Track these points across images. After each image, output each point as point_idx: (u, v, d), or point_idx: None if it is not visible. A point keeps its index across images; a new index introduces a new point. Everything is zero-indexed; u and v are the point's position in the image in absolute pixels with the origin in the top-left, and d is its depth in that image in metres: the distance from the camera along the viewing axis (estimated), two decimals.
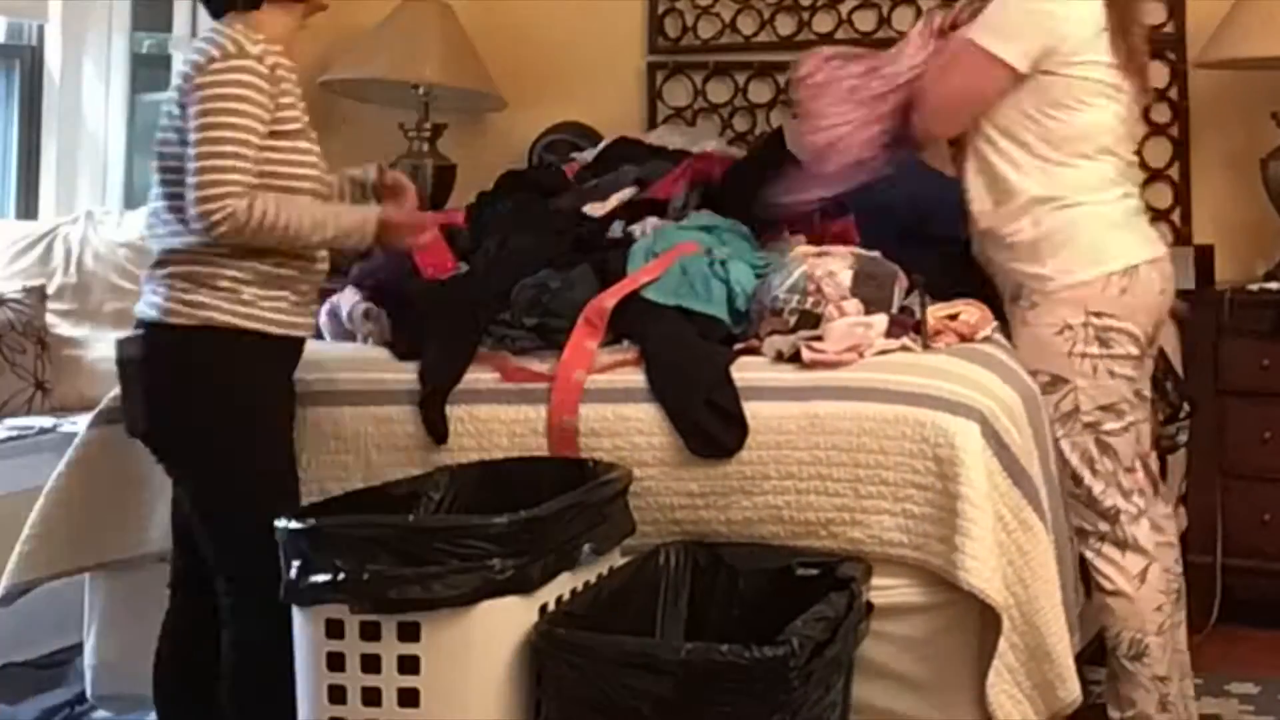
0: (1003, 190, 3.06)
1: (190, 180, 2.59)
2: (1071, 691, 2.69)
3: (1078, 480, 3.05)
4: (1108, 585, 3.06)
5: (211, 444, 2.67)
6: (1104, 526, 3.05)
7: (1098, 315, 3.00)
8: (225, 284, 2.65)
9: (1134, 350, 3.05)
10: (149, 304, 2.69)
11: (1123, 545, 3.05)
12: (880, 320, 2.97)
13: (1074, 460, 3.04)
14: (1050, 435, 3.02)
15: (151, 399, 2.68)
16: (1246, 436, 4.08)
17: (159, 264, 2.70)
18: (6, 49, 4.80)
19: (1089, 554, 3.07)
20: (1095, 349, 3.00)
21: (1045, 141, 3.03)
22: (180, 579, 2.85)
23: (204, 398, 2.66)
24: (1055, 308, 3.01)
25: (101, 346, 4.37)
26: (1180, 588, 3.26)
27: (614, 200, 3.59)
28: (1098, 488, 3.04)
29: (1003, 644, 2.60)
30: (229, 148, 2.58)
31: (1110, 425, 3.03)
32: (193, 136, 2.60)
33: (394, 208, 2.89)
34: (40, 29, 4.80)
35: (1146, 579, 3.05)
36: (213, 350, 2.65)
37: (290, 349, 2.77)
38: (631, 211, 3.55)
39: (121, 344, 2.72)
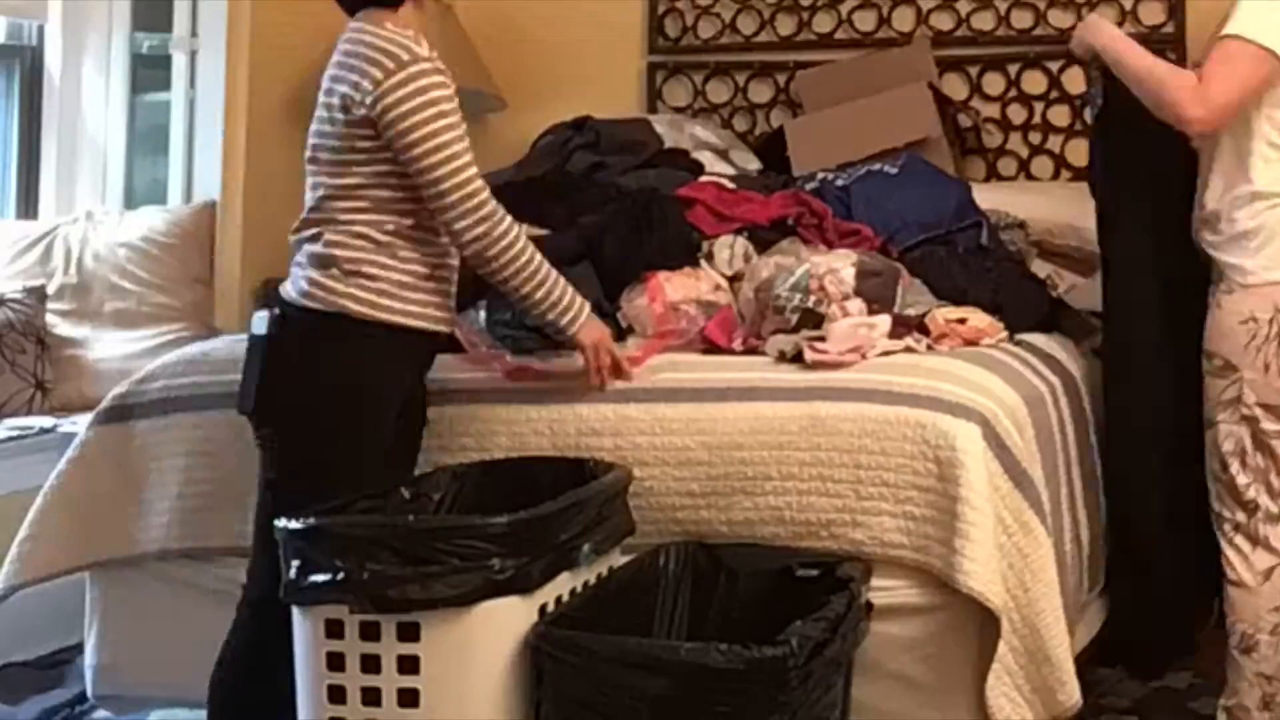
0: (1231, 180, 3.06)
1: (443, 201, 2.64)
2: (1071, 695, 2.69)
3: (1224, 466, 3.07)
4: (1231, 574, 3.10)
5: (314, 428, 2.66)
6: (1241, 517, 3.08)
7: None
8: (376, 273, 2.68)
9: None
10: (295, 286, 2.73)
11: (1254, 539, 3.08)
12: (883, 321, 2.97)
13: (1225, 447, 3.06)
14: (1063, 436, 3.02)
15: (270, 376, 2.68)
16: None
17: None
18: (6, 49, 4.80)
19: (1221, 541, 3.10)
20: (1274, 348, 3.02)
21: (1277, 136, 3.04)
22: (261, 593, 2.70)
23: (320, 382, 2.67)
24: (1247, 298, 3.03)
25: (101, 346, 4.38)
26: None
27: None
28: (1243, 479, 3.06)
29: (1002, 646, 2.60)
30: (467, 158, 2.67)
31: (1271, 425, 3.05)
32: (420, 150, 2.64)
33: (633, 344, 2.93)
34: (40, 29, 4.80)
35: (1270, 578, 3.08)
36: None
37: (423, 343, 2.76)
38: None
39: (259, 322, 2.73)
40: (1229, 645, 3.12)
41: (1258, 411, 3.04)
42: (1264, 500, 3.07)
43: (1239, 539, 3.09)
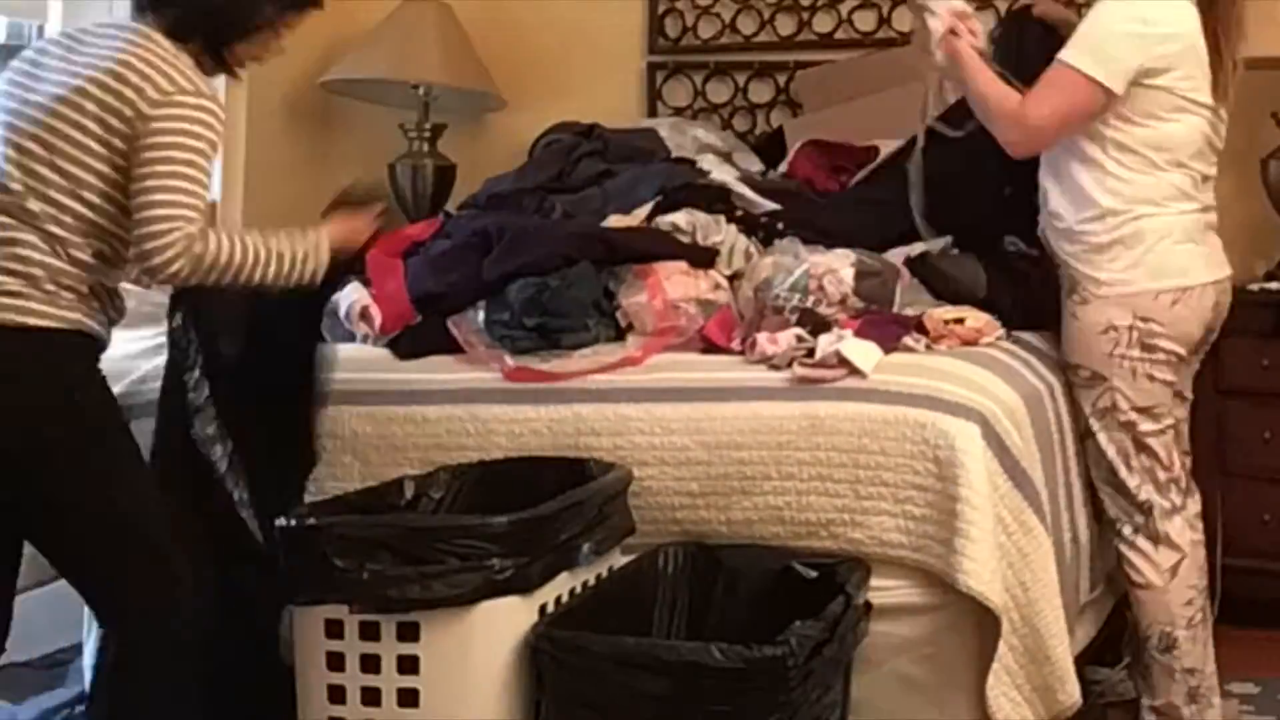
0: (1080, 195, 3.08)
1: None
2: (1071, 694, 2.69)
3: (1113, 472, 3.10)
4: (1138, 578, 3.11)
5: None
6: (1138, 519, 3.10)
7: (1144, 320, 3.04)
8: None
9: (1177, 355, 3.09)
10: None
11: (1155, 539, 3.10)
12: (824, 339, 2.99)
13: (1110, 454, 3.09)
14: (1062, 435, 3.04)
15: None
16: (1246, 436, 4.08)
17: None
18: (6, 49, 4.79)
19: (1122, 546, 3.12)
20: (1137, 353, 3.04)
21: (1122, 150, 3.06)
22: None
23: None
24: (1105, 308, 3.05)
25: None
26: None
27: (638, 214, 3.56)
28: (1133, 482, 3.09)
29: (1002, 646, 2.60)
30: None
31: (1147, 426, 3.08)
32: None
33: (339, 219, 2.78)
34: (40, 29, 4.80)
35: (1178, 574, 3.10)
36: None
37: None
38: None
39: None
40: (1147, 648, 3.14)
41: (1133, 416, 3.06)
42: (1156, 498, 3.09)
43: (1140, 540, 3.11)
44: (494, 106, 4.97)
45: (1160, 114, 3.04)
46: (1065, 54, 3.04)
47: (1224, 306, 3.19)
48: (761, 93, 4.90)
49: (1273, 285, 4.14)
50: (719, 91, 4.96)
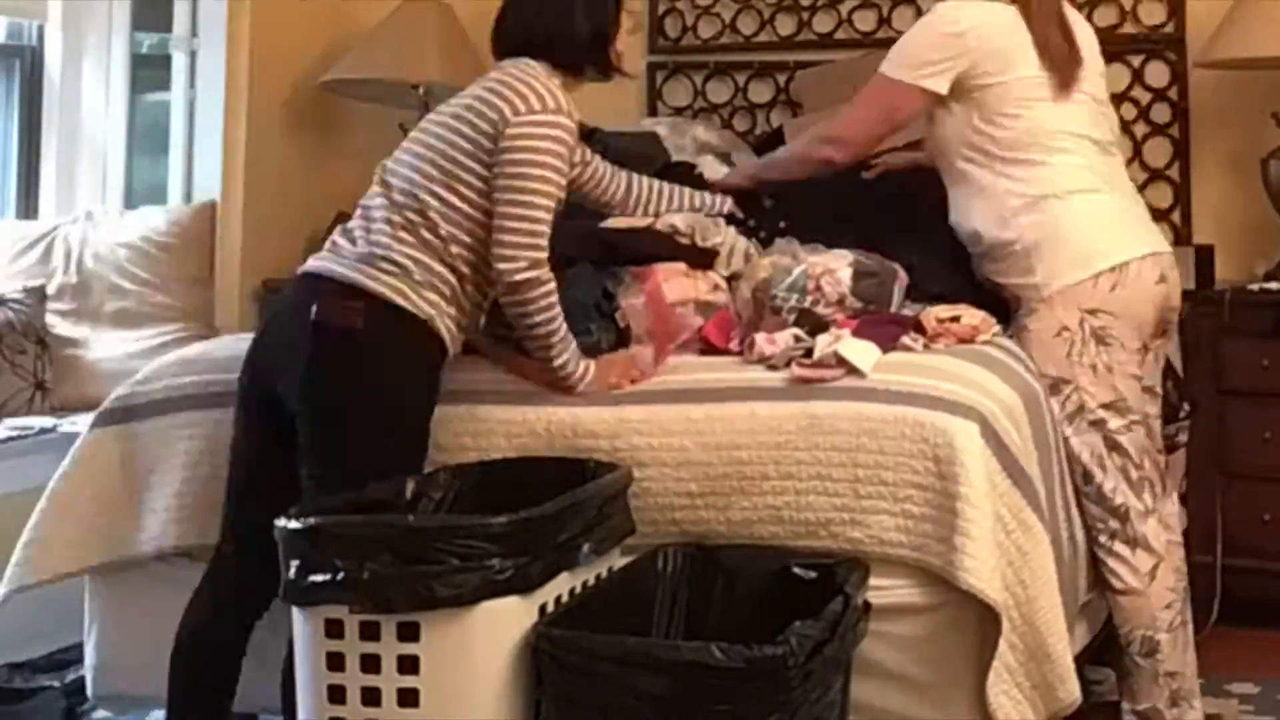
0: (987, 206, 3.13)
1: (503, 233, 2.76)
2: (1071, 692, 2.69)
3: (1088, 478, 3.09)
4: (1118, 583, 3.11)
5: None
6: (1114, 524, 3.10)
7: (1092, 313, 3.05)
8: None
9: (1134, 344, 3.09)
10: None
11: (1133, 543, 3.10)
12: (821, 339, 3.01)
13: (1084, 458, 3.09)
14: (1057, 435, 3.04)
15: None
16: (1246, 436, 4.09)
17: None
18: (6, 49, 4.80)
19: (1100, 552, 3.12)
20: (1094, 348, 3.05)
21: (1005, 149, 3.12)
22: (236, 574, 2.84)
23: None
24: (1051, 311, 3.07)
25: (101, 346, 4.38)
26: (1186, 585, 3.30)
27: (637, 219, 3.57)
28: (1108, 485, 3.09)
29: (1002, 644, 2.59)
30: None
31: (1116, 423, 3.08)
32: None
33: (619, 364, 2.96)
34: (40, 29, 4.80)
35: (1156, 576, 3.11)
36: None
37: None
38: None
39: None
40: (1129, 653, 3.14)
41: (1102, 414, 3.08)
42: (1131, 500, 3.10)
43: (1117, 546, 3.11)
44: None
45: (1010, 110, 3.11)
46: (882, 67, 3.20)
47: (1174, 283, 3.20)
48: (761, 93, 4.91)
49: (1273, 285, 4.14)
50: (719, 91, 4.96)
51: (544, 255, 2.79)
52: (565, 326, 2.85)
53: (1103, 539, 3.11)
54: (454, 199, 2.82)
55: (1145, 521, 3.10)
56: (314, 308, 2.74)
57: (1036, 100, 3.12)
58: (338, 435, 2.73)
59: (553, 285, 2.80)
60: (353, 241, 2.84)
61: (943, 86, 3.12)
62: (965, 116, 3.14)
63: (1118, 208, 3.17)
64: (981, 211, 3.15)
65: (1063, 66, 3.16)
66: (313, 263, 2.86)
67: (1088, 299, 3.06)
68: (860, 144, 3.31)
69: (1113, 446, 3.08)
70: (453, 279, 2.81)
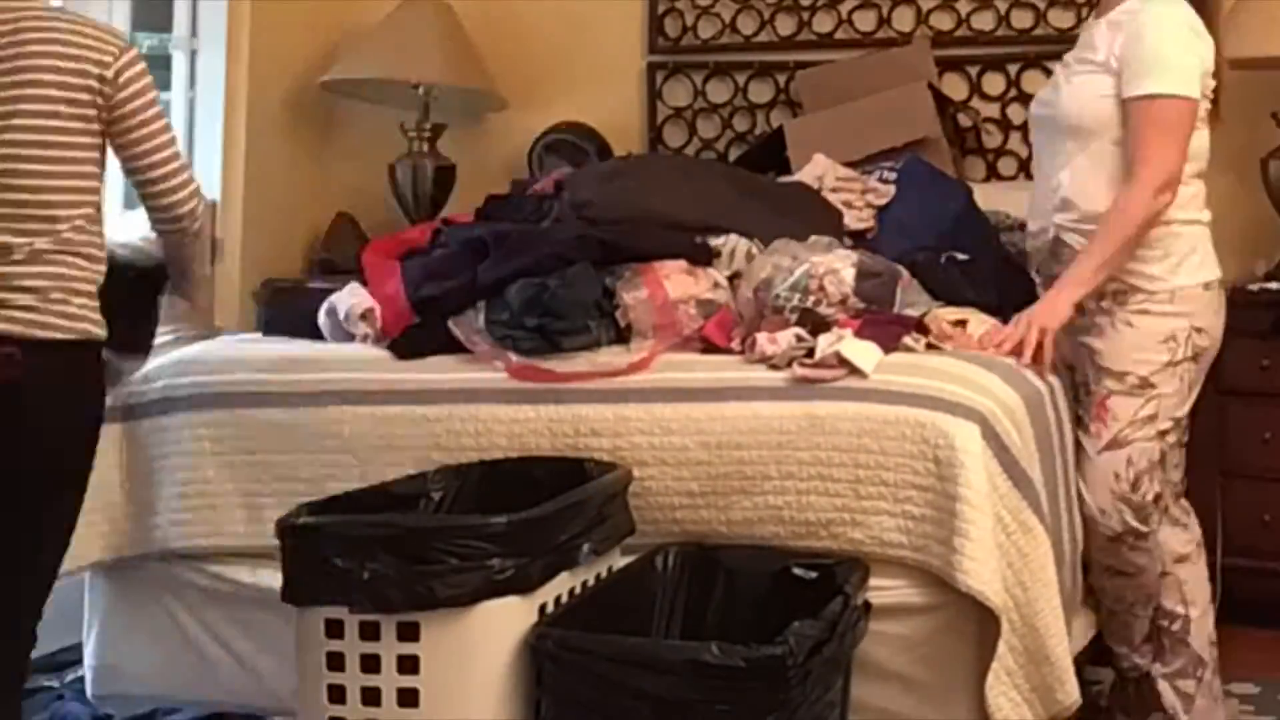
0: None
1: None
2: (1070, 694, 2.69)
3: (1135, 486, 3.09)
4: (1176, 551, 3.20)
5: None
6: (1152, 522, 3.13)
7: (1199, 331, 3.08)
8: None
9: (1206, 369, 3.16)
10: None
11: (1175, 522, 3.22)
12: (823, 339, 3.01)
13: (1141, 465, 3.08)
14: (1060, 436, 3.05)
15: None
16: (1246, 436, 4.08)
17: None
18: None
19: (1142, 536, 3.13)
20: (1188, 364, 3.08)
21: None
22: None
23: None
24: (1167, 316, 3.06)
25: None
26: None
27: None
28: (1152, 493, 3.11)
29: (1001, 646, 2.60)
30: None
31: (1174, 437, 3.15)
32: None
33: None
34: None
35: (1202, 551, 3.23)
36: None
37: None
38: None
39: None
40: (1164, 629, 3.22)
41: (1168, 424, 3.10)
42: (1173, 510, 3.20)
43: (1164, 525, 3.18)
44: (494, 106, 4.97)
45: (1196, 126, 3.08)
46: (1141, 89, 3.01)
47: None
48: (761, 93, 4.91)
49: (1273, 285, 4.14)
50: (719, 91, 4.96)
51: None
52: None
53: (1129, 540, 3.10)
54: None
55: (1179, 531, 3.21)
56: None
57: (1201, 125, 3.09)
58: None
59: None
60: None
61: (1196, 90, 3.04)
62: None
63: (1209, 233, 3.19)
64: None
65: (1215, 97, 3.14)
66: None
67: (1201, 316, 3.08)
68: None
69: (1163, 458, 3.13)
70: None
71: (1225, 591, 3.97)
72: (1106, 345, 3.09)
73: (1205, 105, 3.10)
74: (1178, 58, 3.03)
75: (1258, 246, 4.35)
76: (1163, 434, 3.10)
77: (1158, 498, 3.13)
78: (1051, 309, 3.05)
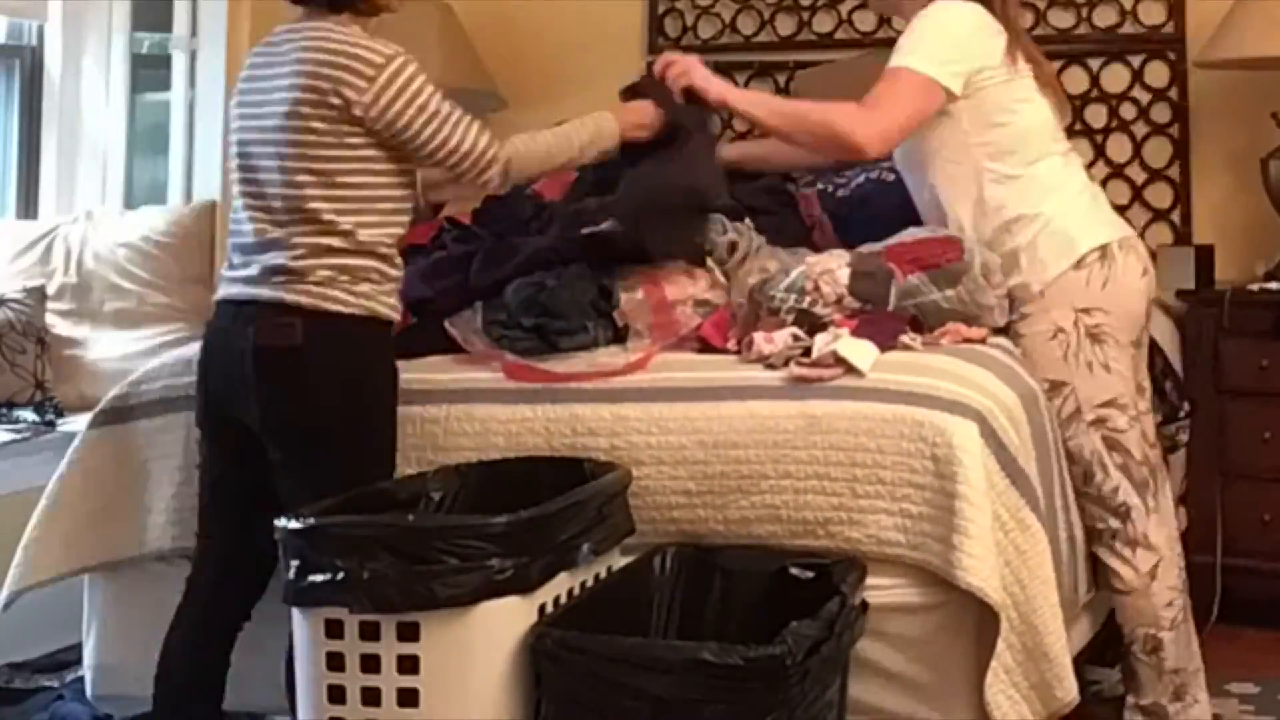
0: (979, 213, 3.12)
1: (453, 161, 2.77)
2: (1069, 691, 2.69)
3: (1088, 478, 3.09)
4: (1119, 584, 3.12)
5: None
6: (1115, 523, 3.10)
7: (1085, 312, 3.05)
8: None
9: (1127, 339, 3.10)
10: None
11: (1134, 543, 3.10)
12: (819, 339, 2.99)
13: (1084, 457, 3.08)
14: (1055, 434, 3.04)
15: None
16: (1246, 436, 4.09)
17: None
18: (6, 49, 4.80)
19: (1101, 552, 3.12)
20: (1089, 347, 3.06)
21: (999, 155, 3.11)
22: (210, 575, 2.85)
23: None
24: (1045, 313, 3.07)
25: (101, 346, 4.38)
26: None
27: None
28: (1109, 485, 3.09)
29: (1000, 644, 2.59)
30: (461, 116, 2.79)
31: (1117, 420, 3.08)
32: (423, 127, 2.73)
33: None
34: (40, 29, 4.81)
35: (1158, 575, 3.11)
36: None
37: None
38: None
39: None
40: (1132, 651, 3.15)
41: (1100, 412, 3.07)
42: (1133, 499, 3.10)
43: (1119, 546, 3.11)
44: (494, 106, 4.97)
45: (1009, 110, 3.11)
46: (898, 60, 3.08)
47: (1151, 278, 3.19)
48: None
49: (1273, 285, 4.15)
50: None
51: (483, 137, 2.81)
52: (555, 139, 2.95)
53: (1104, 538, 3.11)
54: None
55: (1147, 520, 3.10)
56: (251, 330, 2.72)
57: (1023, 102, 3.12)
58: (311, 453, 2.72)
59: (509, 147, 2.85)
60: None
61: (958, 86, 3.08)
62: (956, 124, 3.11)
63: (1090, 199, 3.19)
64: (975, 218, 3.13)
65: (1038, 58, 3.18)
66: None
67: (1080, 296, 3.06)
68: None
69: (1113, 445, 3.09)
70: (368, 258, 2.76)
71: (1225, 591, 3.98)
72: (1020, 362, 3.08)
73: (1012, 88, 3.11)
74: (936, 47, 3.08)
75: (1258, 246, 4.35)
76: (1096, 423, 3.07)
77: (1136, 487, 3.10)
78: (704, 74, 3.19)
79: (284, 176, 2.72)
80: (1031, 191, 3.11)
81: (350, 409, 2.72)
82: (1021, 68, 3.13)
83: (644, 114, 3.13)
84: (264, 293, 2.72)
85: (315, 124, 2.70)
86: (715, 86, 3.20)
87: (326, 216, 2.70)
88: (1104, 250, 3.09)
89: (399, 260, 2.81)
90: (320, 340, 2.69)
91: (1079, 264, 3.07)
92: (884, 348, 2.88)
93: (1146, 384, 3.25)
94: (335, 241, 2.70)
